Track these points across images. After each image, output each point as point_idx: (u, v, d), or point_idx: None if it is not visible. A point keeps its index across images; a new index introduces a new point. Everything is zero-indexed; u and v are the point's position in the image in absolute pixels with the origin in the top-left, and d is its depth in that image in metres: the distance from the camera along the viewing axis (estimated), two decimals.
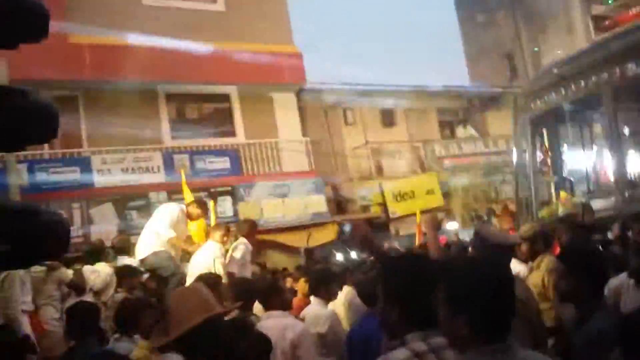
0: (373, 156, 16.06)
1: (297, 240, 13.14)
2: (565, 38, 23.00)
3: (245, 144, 14.15)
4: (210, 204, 9.27)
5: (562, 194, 8.28)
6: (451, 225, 14.60)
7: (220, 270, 6.42)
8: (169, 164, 12.81)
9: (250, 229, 7.63)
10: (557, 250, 5.45)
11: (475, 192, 17.36)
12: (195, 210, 7.72)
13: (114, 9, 12.66)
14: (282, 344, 3.78)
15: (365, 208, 15.27)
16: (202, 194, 12.56)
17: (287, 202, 13.58)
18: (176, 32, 13.26)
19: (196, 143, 13.62)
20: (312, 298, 5.06)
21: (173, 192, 12.38)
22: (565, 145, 9.55)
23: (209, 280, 4.59)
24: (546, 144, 9.29)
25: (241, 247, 7.26)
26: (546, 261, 4.91)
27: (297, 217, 13.50)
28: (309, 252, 12.20)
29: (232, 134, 14.50)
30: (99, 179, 12.04)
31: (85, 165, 11.96)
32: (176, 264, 7.31)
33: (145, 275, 7.05)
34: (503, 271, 1.96)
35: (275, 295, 4.30)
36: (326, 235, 13.72)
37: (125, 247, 7.69)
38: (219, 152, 13.70)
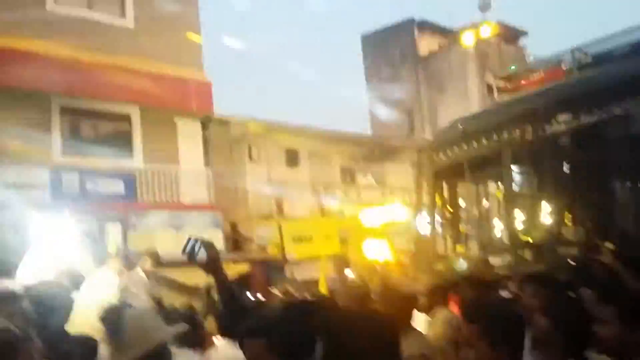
0: (274, 195, 15.70)
1: (189, 277, 12.37)
2: (462, 101, 24.30)
3: (142, 169, 13.29)
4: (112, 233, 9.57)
5: (459, 248, 8.47)
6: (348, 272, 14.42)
7: (114, 301, 5.94)
8: (56, 182, 11.70)
9: (152, 260, 7.45)
10: (453, 305, 5.32)
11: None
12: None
13: (14, 10, 11.57)
14: None
15: (263, 248, 14.78)
16: (90, 219, 11.64)
17: (183, 235, 12.81)
18: (79, 42, 12.38)
19: (89, 163, 12.59)
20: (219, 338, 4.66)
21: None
22: (464, 200, 9.82)
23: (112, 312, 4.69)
24: (445, 197, 9.47)
25: (137, 277, 7.16)
26: (442, 314, 4.89)
27: None
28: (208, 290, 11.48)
29: (129, 157, 13.59)
30: None
31: None
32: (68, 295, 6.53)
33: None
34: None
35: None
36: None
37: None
38: (113, 174, 12.75)
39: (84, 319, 5.58)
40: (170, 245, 12.57)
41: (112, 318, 4.82)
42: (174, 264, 12.18)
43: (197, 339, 4.00)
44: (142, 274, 7.34)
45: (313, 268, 14.89)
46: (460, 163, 8.33)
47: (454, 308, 5.37)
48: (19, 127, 11.45)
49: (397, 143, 20.03)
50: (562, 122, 6.69)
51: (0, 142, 11.13)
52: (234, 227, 14.63)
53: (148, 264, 7.45)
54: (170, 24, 14.33)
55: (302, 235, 15.34)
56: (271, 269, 14.03)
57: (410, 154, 19.94)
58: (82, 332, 4.90)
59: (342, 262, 4.50)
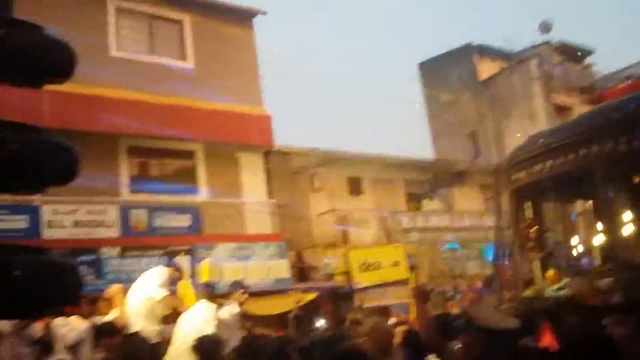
0: (339, 224, 15.58)
1: (259, 307, 12.34)
2: (527, 123, 23.60)
3: (207, 202, 13.52)
4: (203, 263, 9.31)
5: (550, 272, 7.65)
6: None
7: (211, 332, 6.01)
8: (124, 218, 12.06)
9: (241, 289, 7.44)
10: (547, 337, 4.77)
11: (440, 267, 16.98)
12: (174, 272, 7.35)
13: (79, 56, 12.20)
14: None
15: (329, 276, 14.62)
16: (159, 252, 11.89)
17: (249, 266, 12.87)
18: (143, 86, 12.90)
19: (156, 199, 12.94)
20: None
21: (128, 249, 11.63)
22: (549, 221, 9.01)
23: (212, 342, 4.92)
24: (529, 218, 8.61)
25: (229, 309, 7.13)
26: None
27: (258, 282, 12.74)
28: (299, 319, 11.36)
29: (195, 191, 13.89)
30: (49, 231, 11.17)
31: (33, 214, 11.11)
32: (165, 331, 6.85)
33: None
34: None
35: None
36: (287, 303, 12.95)
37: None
38: (179, 209, 13.03)
39: (182, 352, 5.72)
40: (238, 276, 12.65)
41: (208, 349, 4.84)
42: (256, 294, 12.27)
43: None
44: (237, 306, 7.29)
45: (381, 295, 14.60)
46: (544, 180, 7.71)
47: (548, 336, 4.74)
48: (91, 169, 11.93)
49: (462, 167, 19.59)
50: None
51: (74, 183, 11.60)
52: (299, 256, 14.57)
53: (242, 296, 7.39)
54: (228, 62, 14.75)
55: (369, 262, 15.13)
56: (339, 297, 13.82)
57: (477, 178, 19.48)
58: None
59: (422, 291, 4.14)
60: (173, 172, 14.19)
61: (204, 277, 9.07)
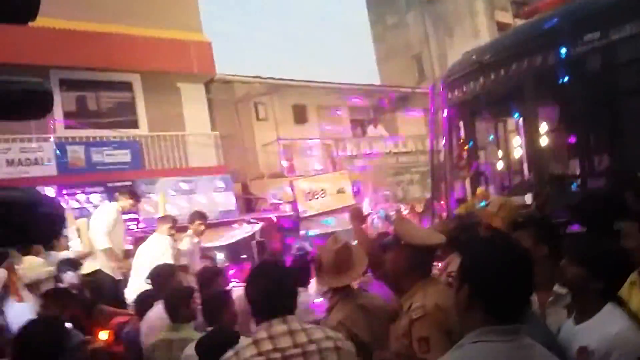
0: (284, 153, 15.53)
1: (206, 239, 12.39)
2: (472, 42, 23.56)
3: (148, 136, 13.17)
4: (160, 196, 9.69)
5: (479, 190, 7.89)
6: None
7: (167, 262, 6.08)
8: (61, 155, 11.65)
9: (199, 220, 7.53)
10: None
11: (383, 193, 17.28)
12: (127, 202, 7.58)
13: None
14: None
15: (276, 206, 14.71)
16: (99, 189, 11.64)
17: (194, 199, 12.77)
18: (74, 12, 12.11)
19: (93, 134, 12.49)
20: None
21: (66, 186, 11.31)
22: (482, 139, 9.08)
23: (164, 270, 5.07)
24: (462, 137, 8.66)
25: (187, 239, 7.34)
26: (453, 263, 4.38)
27: None
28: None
29: (135, 125, 13.46)
30: None
31: None
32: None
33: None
34: (523, 255, 1.90)
35: None
36: (234, 235, 13.05)
37: None
38: (119, 143, 12.66)
39: (140, 284, 5.81)
40: (182, 210, 12.57)
41: (161, 278, 4.98)
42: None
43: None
44: (194, 236, 7.49)
45: (327, 223, 14.84)
46: (476, 98, 7.67)
47: None
48: None
49: (406, 91, 19.60)
50: (588, 42, 5.99)
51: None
52: (245, 188, 14.54)
53: (200, 226, 7.53)
54: None
55: (315, 190, 15.25)
56: (285, 227, 13.98)
57: (421, 102, 19.55)
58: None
59: (357, 213, 4.27)
60: (111, 105, 13.66)
61: (161, 210, 9.27)
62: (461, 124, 8.44)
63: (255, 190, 14.71)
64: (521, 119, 8.00)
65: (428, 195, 14.83)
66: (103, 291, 6.90)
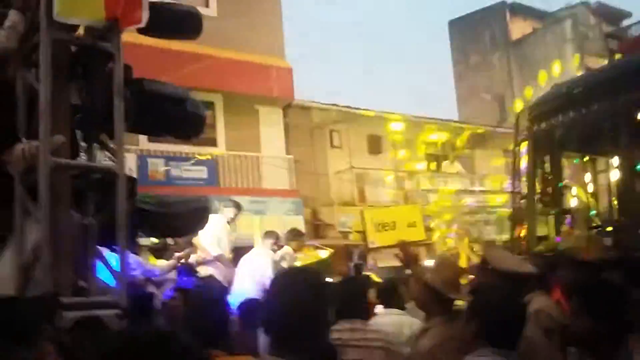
0: (357, 182, 15.45)
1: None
2: None
3: (225, 154, 13.45)
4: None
5: (564, 228, 7.37)
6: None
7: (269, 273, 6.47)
8: (142, 167, 12.06)
9: (299, 238, 7.85)
10: (556, 293, 4.65)
11: (458, 230, 16.81)
12: (232, 213, 7.80)
13: None
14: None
15: (344, 235, 14.58)
16: None
17: (264, 220, 12.84)
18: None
19: (173, 149, 12.89)
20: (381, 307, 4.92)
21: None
22: (569, 175, 8.51)
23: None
24: (548, 172, 8.07)
25: (287, 256, 7.46)
26: (540, 301, 4.19)
27: None
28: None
29: (213, 143, 13.80)
30: None
31: None
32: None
33: None
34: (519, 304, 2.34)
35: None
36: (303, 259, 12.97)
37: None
38: (197, 160, 12.99)
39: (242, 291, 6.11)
40: (253, 229, 12.65)
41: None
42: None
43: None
44: (291, 251, 7.62)
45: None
46: (565, 133, 7.20)
47: (557, 294, 4.65)
48: None
49: (486, 129, 19.17)
50: None
51: None
52: (315, 213, 14.53)
53: (294, 242, 7.71)
54: (251, 11, 14.40)
55: (385, 222, 15.02)
56: (353, 256, 13.80)
57: (501, 142, 19.05)
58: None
59: (406, 251, 3.96)
60: None
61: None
62: (547, 157, 7.95)
63: (324, 217, 14.67)
64: (613, 155, 7.53)
65: (504, 236, 14.33)
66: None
